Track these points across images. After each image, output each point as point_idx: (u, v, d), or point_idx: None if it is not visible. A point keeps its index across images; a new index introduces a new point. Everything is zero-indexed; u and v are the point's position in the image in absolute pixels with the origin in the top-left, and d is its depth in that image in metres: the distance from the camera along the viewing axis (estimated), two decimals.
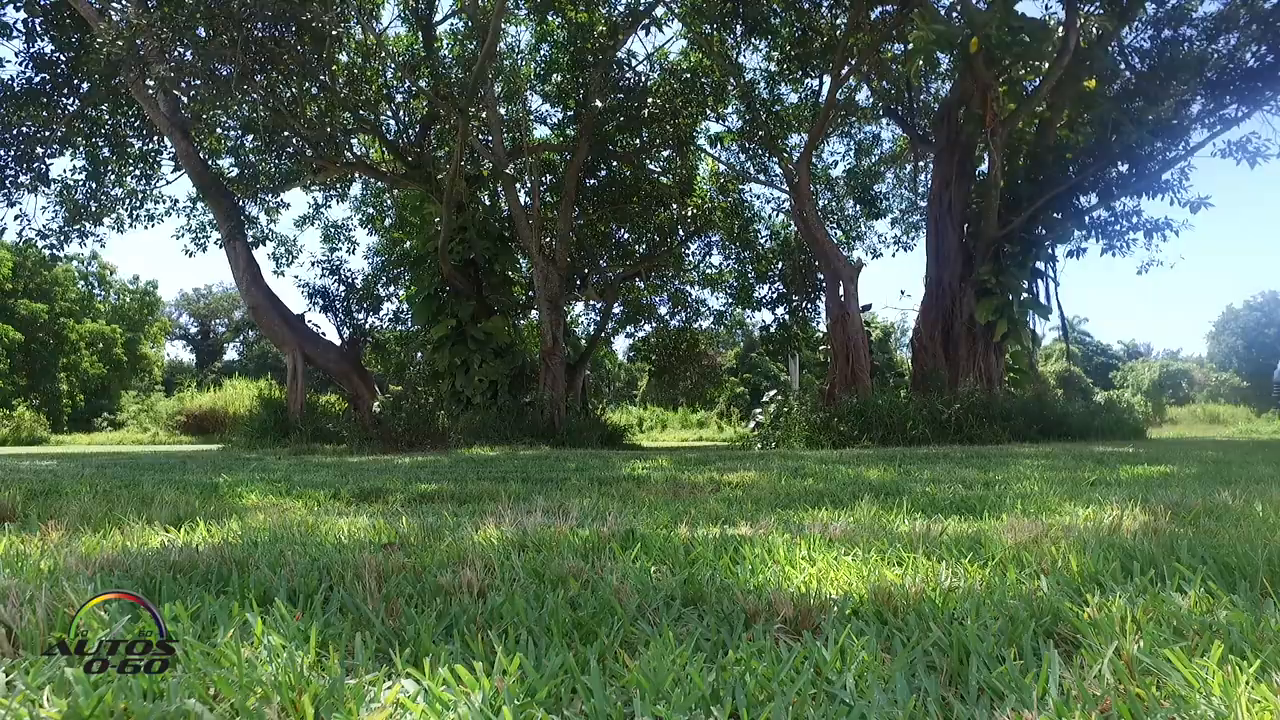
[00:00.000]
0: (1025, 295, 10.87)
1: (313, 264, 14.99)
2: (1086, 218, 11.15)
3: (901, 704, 0.92)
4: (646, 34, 13.93)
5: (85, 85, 11.27)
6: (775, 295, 15.38)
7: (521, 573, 1.53)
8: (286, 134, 10.78)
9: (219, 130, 11.98)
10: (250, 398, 16.93)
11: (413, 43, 13.70)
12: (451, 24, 13.77)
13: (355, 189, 15.86)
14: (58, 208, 12.29)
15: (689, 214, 14.60)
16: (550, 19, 12.63)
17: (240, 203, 12.00)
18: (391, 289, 15.55)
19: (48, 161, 11.48)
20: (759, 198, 16.16)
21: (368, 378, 13.06)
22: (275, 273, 17.59)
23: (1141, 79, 10.84)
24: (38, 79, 11.10)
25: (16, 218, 11.79)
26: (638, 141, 13.46)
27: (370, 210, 16.42)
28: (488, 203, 13.50)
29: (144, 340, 37.22)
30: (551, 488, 3.41)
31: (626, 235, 15.18)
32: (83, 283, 35.41)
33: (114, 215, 13.00)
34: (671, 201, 14.33)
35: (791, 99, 14.10)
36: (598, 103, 11.80)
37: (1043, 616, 1.21)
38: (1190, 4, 11.28)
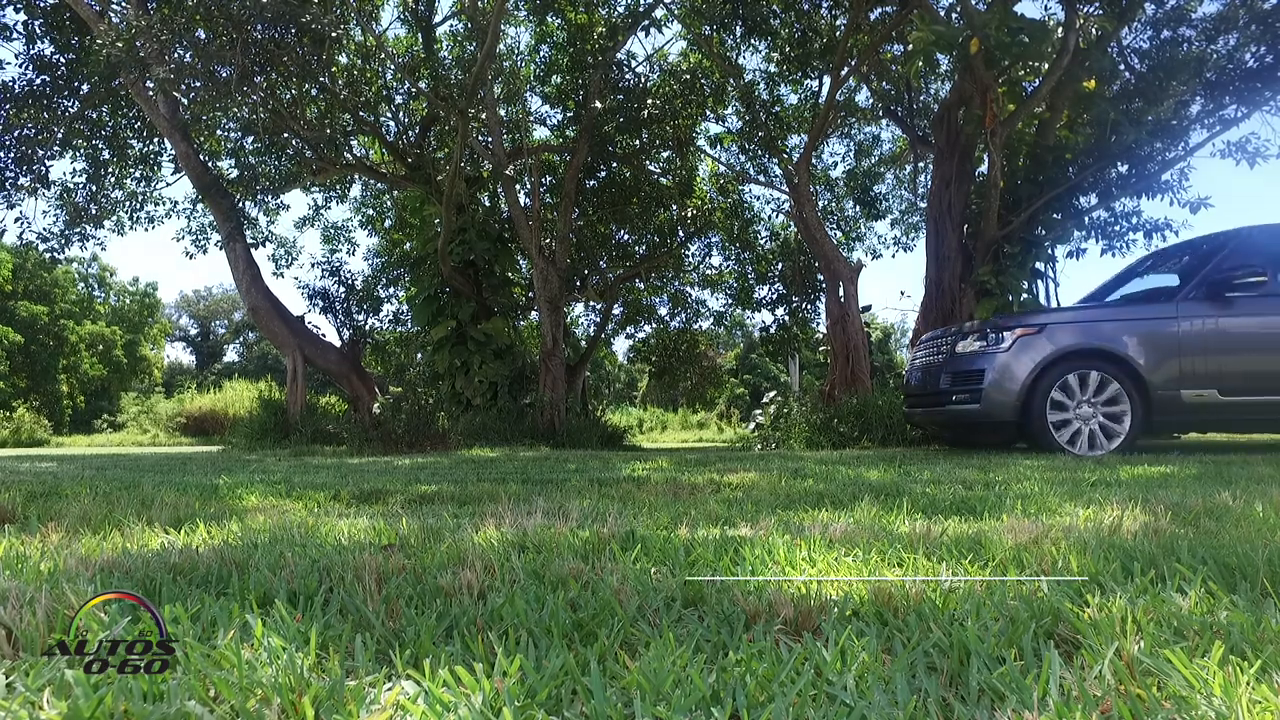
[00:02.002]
0: (1025, 296, 10.85)
1: (312, 265, 15.00)
2: (1086, 218, 11.14)
3: (902, 705, 0.92)
4: (646, 35, 13.97)
5: (85, 87, 11.28)
6: (775, 296, 15.37)
7: (522, 574, 1.53)
8: (286, 135, 10.78)
9: (219, 132, 11.98)
10: (250, 399, 16.93)
11: (412, 44, 13.70)
12: (451, 25, 13.78)
13: (355, 190, 15.87)
14: (58, 210, 12.29)
15: (689, 215, 14.59)
16: (550, 20, 12.63)
17: (240, 204, 12.00)
18: (391, 290, 15.55)
19: (48, 164, 11.48)
20: (759, 198, 16.18)
21: (368, 379, 13.06)
22: (275, 274, 17.56)
23: (1141, 79, 10.84)
24: (38, 81, 11.10)
25: (17, 220, 11.79)
26: (637, 142, 13.45)
27: (370, 211, 16.42)
28: (487, 204, 13.49)
29: (144, 342, 37.25)
30: (551, 489, 3.41)
31: (626, 236, 15.18)
32: (83, 285, 35.45)
33: (114, 217, 13.00)
34: (671, 202, 14.32)
35: (791, 100, 14.10)
36: (597, 104, 11.80)
37: (1043, 617, 1.21)
38: (1189, 5, 11.28)
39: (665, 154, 14.26)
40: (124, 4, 10.66)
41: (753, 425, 11.62)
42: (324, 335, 13.21)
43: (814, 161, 13.87)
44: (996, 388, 5.56)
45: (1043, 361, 5.43)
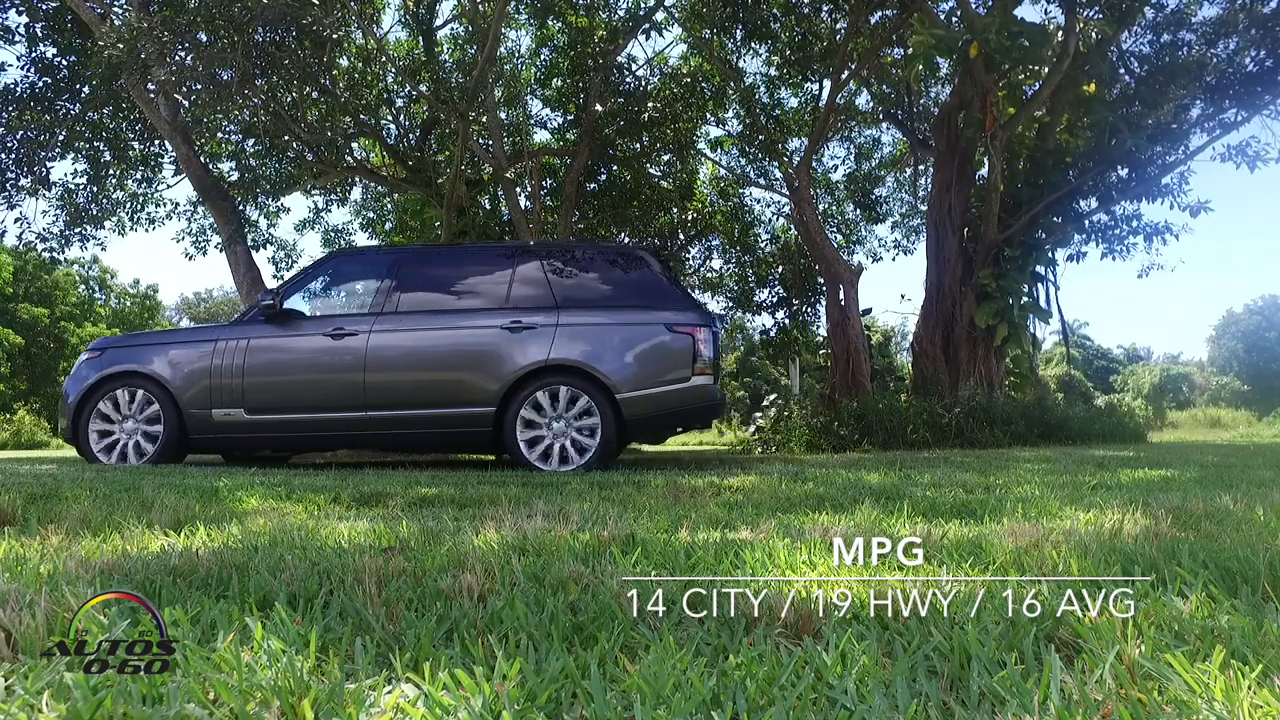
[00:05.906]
0: (1025, 299, 10.86)
1: None
2: (1086, 221, 11.14)
3: (903, 708, 0.91)
4: (647, 38, 13.97)
5: (86, 89, 11.29)
6: (775, 299, 15.35)
7: (522, 577, 1.52)
8: (287, 138, 10.79)
9: (220, 134, 11.99)
10: None
11: (413, 47, 13.72)
12: (452, 29, 13.80)
13: (355, 193, 15.84)
14: (59, 211, 12.30)
15: (689, 218, 14.60)
16: (550, 24, 12.65)
17: (241, 206, 12.00)
18: None
19: (49, 165, 11.49)
20: (759, 201, 16.18)
21: None
22: (275, 277, 17.50)
23: (1141, 83, 10.85)
24: (40, 83, 11.12)
25: (17, 221, 11.80)
26: (638, 146, 13.47)
27: (370, 214, 16.40)
28: (488, 207, 13.51)
29: None
30: (551, 491, 3.41)
31: (627, 239, 15.19)
32: (83, 287, 35.40)
33: (115, 218, 13.02)
34: (672, 205, 14.33)
35: (791, 103, 14.12)
36: (598, 107, 11.81)
37: (1043, 621, 1.20)
38: (1189, 8, 11.30)
39: (666, 157, 14.27)
40: (125, 6, 10.68)
41: (753, 428, 11.61)
42: None
43: (814, 164, 13.89)
44: (64, 406, 5.78)
45: (89, 383, 5.64)
